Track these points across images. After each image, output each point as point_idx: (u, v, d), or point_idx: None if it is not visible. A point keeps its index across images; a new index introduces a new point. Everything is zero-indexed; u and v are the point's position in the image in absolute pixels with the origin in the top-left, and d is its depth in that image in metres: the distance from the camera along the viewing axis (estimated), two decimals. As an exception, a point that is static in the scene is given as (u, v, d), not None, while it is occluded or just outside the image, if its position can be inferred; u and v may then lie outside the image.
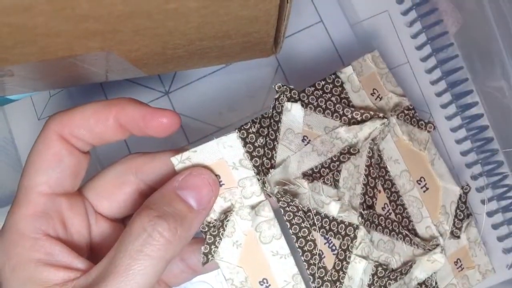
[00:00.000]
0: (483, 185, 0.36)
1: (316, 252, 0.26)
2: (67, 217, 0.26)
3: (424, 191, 0.31)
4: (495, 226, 0.36)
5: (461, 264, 0.31)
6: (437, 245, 0.30)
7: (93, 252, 0.27)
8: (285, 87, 0.27)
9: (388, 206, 0.30)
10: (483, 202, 0.36)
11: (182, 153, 0.25)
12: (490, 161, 0.36)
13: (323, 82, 0.29)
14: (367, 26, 0.36)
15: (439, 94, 0.36)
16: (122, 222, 0.29)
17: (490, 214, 0.36)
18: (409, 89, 0.36)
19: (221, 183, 0.25)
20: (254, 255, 0.26)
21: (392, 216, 0.30)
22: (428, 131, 0.31)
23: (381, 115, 0.29)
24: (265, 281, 0.26)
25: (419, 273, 0.30)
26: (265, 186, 0.26)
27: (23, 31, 0.20)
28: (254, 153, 0.26)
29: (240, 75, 0.36)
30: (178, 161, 0.25)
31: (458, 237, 0.31)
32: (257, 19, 0.25)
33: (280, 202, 0.25)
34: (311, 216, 0.26)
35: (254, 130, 0.26)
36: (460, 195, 0.31)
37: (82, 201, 0.27)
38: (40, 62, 0.24)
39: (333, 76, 0.29)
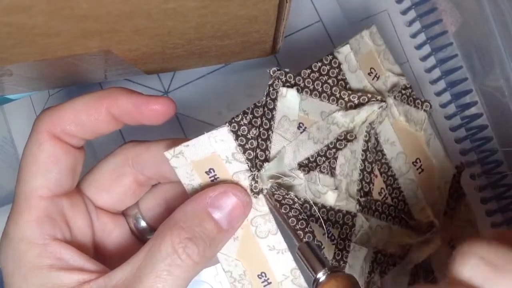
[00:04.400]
0: (482, 184, 0.36)
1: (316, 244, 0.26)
2: (70, 217, 0.25)
3: (419, 173, 0.30)
4: (494, 226, 0.36)
5: (454, 244, 0.31)
6: (432, 226, 0.29)
7: (96, 248, 0.27)
8: (280, 71, 0.26)
9: (384, 191, 0.29)
10: (482, 201, 0.36)
11: (174, 148, 0.24)
12: (489, 160, 0.36)
13: (319, 64, 0.28)
14: (367, 26, 0.36)
15: (438, 94, 0.36)
16: (122, 213, 0.29)
17: (489, 213, 0.36)
18: (409, 89, 0.36)
19: (215, 176, 0.25)
20: (252, 249, 0.25)
21: (389, 200, 0.29)
22: (425, 110, 0.30)
23: (378, 98, 0.28)
24: (263, 274, 0.25)
25: (416, 256, 0.29)
26: (256, 182, 0.25)
27: (22, 31, 0.20)
28: (247, 146, 0.25)
29: (240, 75, 0.36)
30: (172, 155, 0.24)
31: (452, 217, 0.30)
32: (256, 19, 0.25)
33: (274, 196, 0.25)
34: (308, 207, 0.26)
35: (246, 122, 0.25)
36: (454, 175, 0.31)
37: (81, 198, 0.26)
38: (39, 62, 0.24)
39: (330, 57, 0.28)
